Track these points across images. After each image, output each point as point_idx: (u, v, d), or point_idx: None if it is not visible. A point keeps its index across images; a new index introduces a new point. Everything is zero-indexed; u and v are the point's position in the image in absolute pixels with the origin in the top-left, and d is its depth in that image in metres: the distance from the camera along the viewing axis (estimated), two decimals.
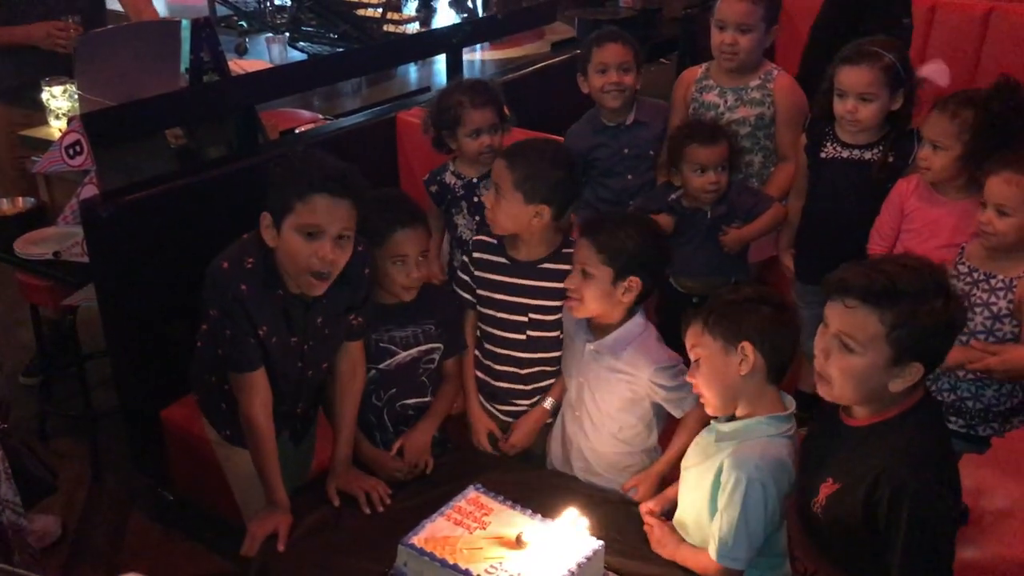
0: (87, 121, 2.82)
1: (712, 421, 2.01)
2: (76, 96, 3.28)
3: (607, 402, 2.24)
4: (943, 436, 1.79)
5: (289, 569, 2.05)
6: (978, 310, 2.20)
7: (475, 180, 2.74)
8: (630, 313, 2.23)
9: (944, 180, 2.37)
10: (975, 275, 2.24)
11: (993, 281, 2.20)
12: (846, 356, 1.70)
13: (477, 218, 2.70)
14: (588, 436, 2.29)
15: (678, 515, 2.10)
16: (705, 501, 1.98)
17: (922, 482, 1.64)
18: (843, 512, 1.72)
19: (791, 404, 1.97)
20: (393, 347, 2.34)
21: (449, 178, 2.81)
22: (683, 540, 2.05)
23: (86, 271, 2.90)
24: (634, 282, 2.15)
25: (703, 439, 2.04)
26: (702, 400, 1.98)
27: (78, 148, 2.79)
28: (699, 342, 1.92)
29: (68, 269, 3.02)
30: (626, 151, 2.93)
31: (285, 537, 2.11)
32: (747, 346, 1.87)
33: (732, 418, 1.97)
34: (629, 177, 2.93)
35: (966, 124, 2.28)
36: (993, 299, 2.20)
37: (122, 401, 2.92)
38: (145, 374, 2.84)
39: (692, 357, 1.95)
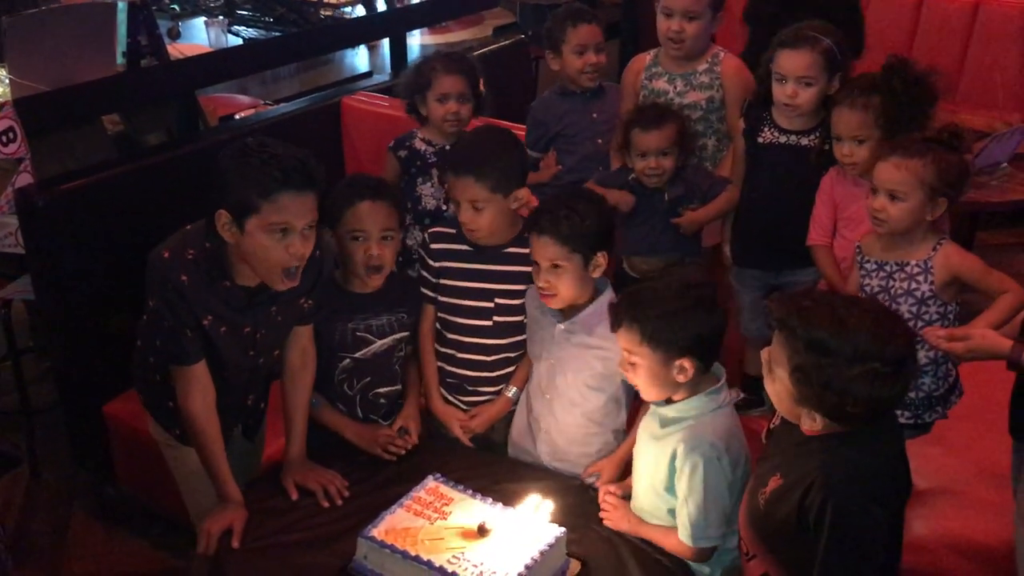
0: (20, 107, 2.73)
1: (652, 406, 2.01)
2: (7, 81, 3.16)
3: (579, 380, 2.23)
4: (894, 454, 1.78)
5: (245, 566, 2.01)
6: (901, 300, 2.20)
7: (447, 147, 2.70)
8: (598, 288, 2.23)
9: (870, 170, 2.31)
10: (887, 268, 2.23)
11: (908, 268, 2.20)
12: (769, 377, 1.73)
13: (446, 186, 2.61)
14: (558, 418, 2.27)
15: (634, 503, 2.09)
16: (660, 489, 1.98)
17: (851, 496, 1.65)
18: (781, 508, 1.74)
19: (721, 373, 1.98)
20: (370, 336, 2.32)
21: (419, 144, 2.78)
22: (643, 521, 2.05)
23: (21, 262, 2.81)
24: (603, 257, 2.16)
25: (648, 425, 2.04)
26: (638, 390, 1.99)
27: (11, 135, 2.70)
28: (636, 352, 1.92)
29: (1, 261, 2.92)
30: (595, 116, 2.94)
31: (240, 533, 2.06)
32: (686, 361, 1.89)
33: (669, 400, 1.98)
34: (599, 142, 2.92)
35: (878, 111, 2.29)
36: (914, 285, 2.19)
37: (62, 396, 2.85)
38: (86, 368, 2.76)
39: (627, 359, 1.95)
